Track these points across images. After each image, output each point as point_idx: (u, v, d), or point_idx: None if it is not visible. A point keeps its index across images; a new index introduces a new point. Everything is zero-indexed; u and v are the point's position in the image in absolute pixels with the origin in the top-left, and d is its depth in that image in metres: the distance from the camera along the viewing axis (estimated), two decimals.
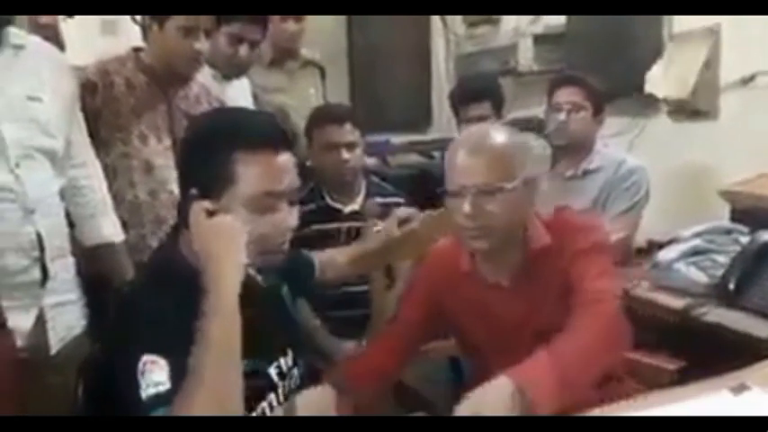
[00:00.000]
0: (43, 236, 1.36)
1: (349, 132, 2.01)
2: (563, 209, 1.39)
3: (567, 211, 1.40)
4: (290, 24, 2.46)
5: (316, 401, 1.20)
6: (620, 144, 2.52)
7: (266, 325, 1.16)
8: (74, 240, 1.53)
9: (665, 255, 1.81)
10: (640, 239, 2.20)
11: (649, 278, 1.83)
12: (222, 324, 0.99)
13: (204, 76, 1.99)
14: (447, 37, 3.88)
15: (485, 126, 1.43)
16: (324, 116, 2.06)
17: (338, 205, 2.08)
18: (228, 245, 1.05)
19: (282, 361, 1.20)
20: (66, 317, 1.45)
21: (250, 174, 1.07)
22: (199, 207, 1.07)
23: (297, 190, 1.14)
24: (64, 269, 1.45)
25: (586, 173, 2.15)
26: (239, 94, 2.24)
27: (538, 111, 2.41)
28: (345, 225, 2.04)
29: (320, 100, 2.66)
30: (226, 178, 1.07)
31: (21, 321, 1.35)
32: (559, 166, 2.20)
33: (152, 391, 0.97)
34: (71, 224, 1.52)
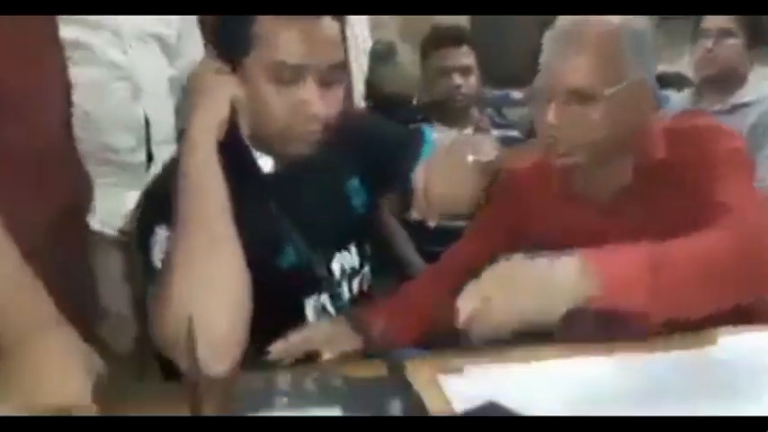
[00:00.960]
0: (150, 118, 1.39)
1: (464, 55, 1.93)
2: (692, 112, 1.20)
3: (697, 115, 1.17)
4: None
5: (328, 332, 1.09)
6: None
7: (320, 216, 1.07)
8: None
9: None
10: None
11: None
12: (193, 189, 0.90)
13: None
14: None
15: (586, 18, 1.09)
16: (439, 38, 1.98)
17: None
18: (207, 95, 0.94)
19: (339, 256, 1.10)
20: None
21: (274, 36, 0.92)
22: (205, 63, 0.99)
23: (338, 69, 0.98)
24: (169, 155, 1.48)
25: (735, 107, 1.92)
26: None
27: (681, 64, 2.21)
28: None
29: None
30: (248, 41, 0.94)
31: (121, 200, 1.39)
32: (705, 100, 1.99)
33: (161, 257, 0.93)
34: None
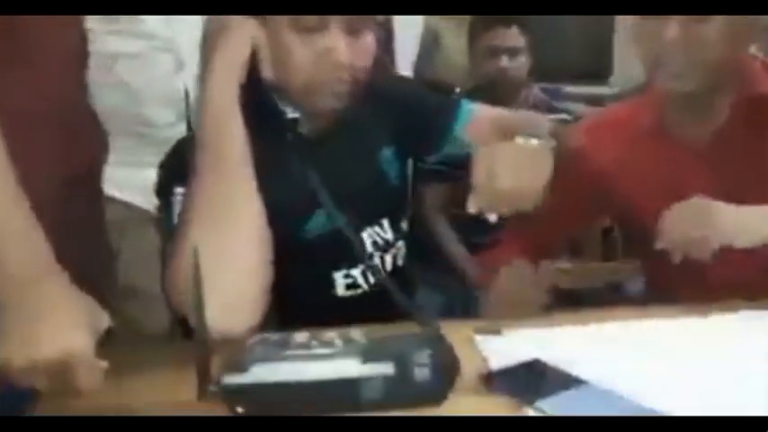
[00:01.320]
0: (191, 93, 1.37)
1: (514, 36, 1.87)
2: None
3: None
4: None
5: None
6: None
7: (352, 184, 1.01)
8: None
9: None
10: None
11: None
12: (212, 136, 0.86)
13: None
14: None
15: None
16: (489, 18, 1.92)
17: None
18: (227, 36, 0.89)
19: (370, 230, 1.04)
20: None
21: None
22: (237, 21, 0.92)
23: (364, 17, 0.92)
24: None
25: None
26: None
27: None
28: None
29: None
30: None
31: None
32: None
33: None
34: None
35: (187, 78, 1.36)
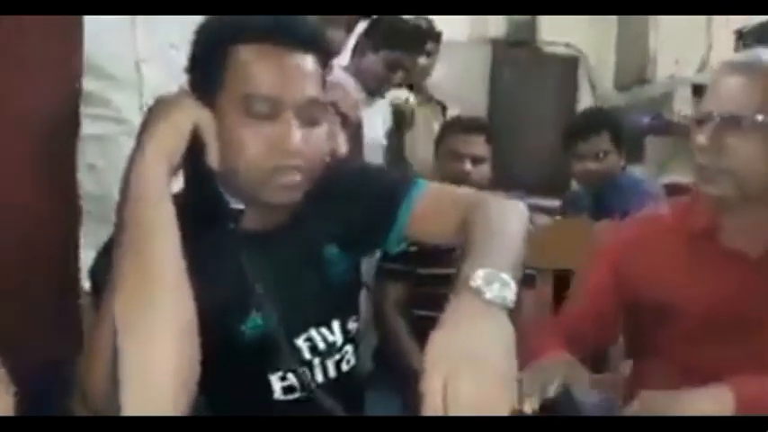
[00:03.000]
0: None
1: (478, 145, 1.94)
2: None
3: None
4: (422, 59, 2.47)
5: None
6: None
7: (295, 284, 0.96)
8: None
9: None
10: None
11: None
12: (138, 232, 0.79)
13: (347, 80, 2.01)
14: (595, 102, 3.76)
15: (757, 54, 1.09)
16: (456, 125, 2.01)
17: None
18: (166, 118, 0.84)
19: (316, 332, 0.98)
20: None
21: (244, 68, 0.87)
22: (175, 93, 0.89)
23: (317, 107, 0.90)
24: None
25: None
26: (375, 117, 2.24)
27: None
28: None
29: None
30: (221, 76, 0.88)
31: None
32: None
33: None
34: None
35: None
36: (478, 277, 0.74)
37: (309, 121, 0.90)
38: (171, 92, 0.92)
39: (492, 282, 0.74)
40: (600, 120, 2.25)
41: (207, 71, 0.90)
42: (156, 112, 0.86)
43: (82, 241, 1.03)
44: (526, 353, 1.18)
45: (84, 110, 1.19)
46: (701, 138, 1.02)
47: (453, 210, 0.95)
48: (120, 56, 1.33)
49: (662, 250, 1.13)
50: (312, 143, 0.90)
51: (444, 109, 2.72)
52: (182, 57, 1.40)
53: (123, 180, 0.82)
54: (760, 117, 0.99)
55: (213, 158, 0.87)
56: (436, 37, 2.54)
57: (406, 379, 1.83)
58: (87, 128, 1.22)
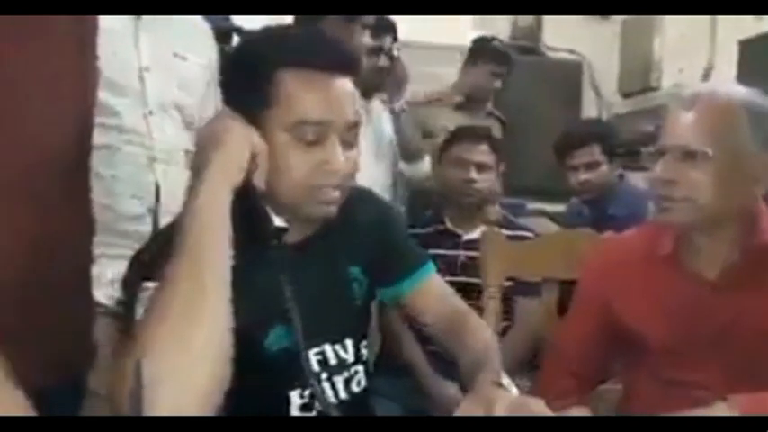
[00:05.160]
0: (161, 188, 1.37)
1: (483, 153, 1.94)
2: None
3: None
4: (492, 77, 2.62)
5: None
6: None
7: (320, 300, 0.99)
8: None
9: None
10: None
11: None
12: (196, 238, 0.80)
13: None
14: (599, 109, 3.75)
15: (726, 84, 1.21)
16: (461, 133, 2.01)
17: (459, 231, 1.98)
18: (227, 142, 0.87)
19: (329, 348, 1.01)
20: None
21: (294, 95, 0.90)
22: (221, 116, 0.92)
23: (355, 129, 0.96)
24: None
25: None
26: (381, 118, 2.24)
27: None
28: (463, 253, 1.92)
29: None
30: (267, 98, 0.91)
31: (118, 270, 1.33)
32: None
33: None
34: None
35: (159, 173, 1.37)
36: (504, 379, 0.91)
37: (349, 144, 0.95)
38: (216, 114, 0.96)
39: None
40: (589, 132, 2.26)
41: (250, 91, 0.92)
42: (210, 138, 0.88)
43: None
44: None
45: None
46: (659, 170, 1.08)
47: (447, 302, 1.10)
48: (123, 63, 1.33)
49: (628, 276, 1.19)
50: (351, 164, 0.95)
51: (504, 126, 2.77)
52: (186, 65, 1.43)
53: (184, 206, 0.85)
54: (710, 151, 1.05)
55: (262, 180, 0.91)
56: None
57: (413, 394, 1.84)
58: (94, 137, 1.22)
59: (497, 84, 2.66)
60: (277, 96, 0.91)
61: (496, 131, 2.65)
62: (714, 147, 1.05)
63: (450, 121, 2.41)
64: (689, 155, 1.06)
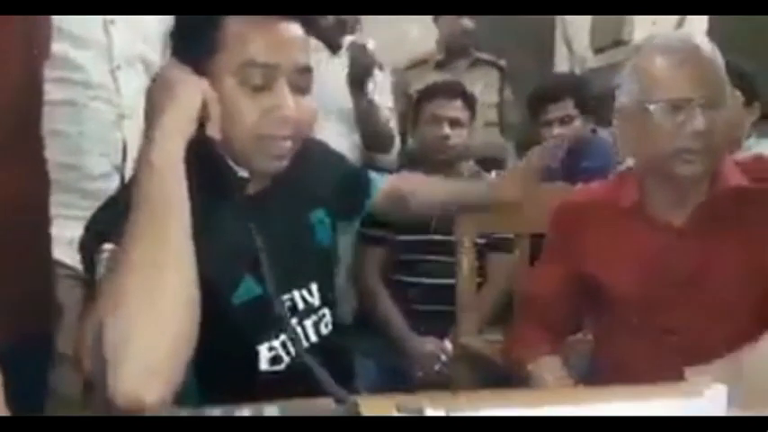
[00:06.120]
0: (128, 145, 1.33)
1: (457, 109, 1.93)
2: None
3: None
4: (465, 20, 2.48)
5: None
6: None
7: (285, 246, 0.98)
8: None
9: None
10: None
11: None
12: (153, 195, 0.80)
13: None
14: (572, 64, 3.74)
15: (685, 35, 1.20)
16: (434, 89, 1.99)
17: None
18: (177, 93, 0.85)
19: (297, 294, 1.01)
20: None
21: (240, 37, 0.88)
22: (169, 66, 0.90)
23: (308, 74, 0.93)
24: None
25: None
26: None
27: None
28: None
29: (493, 98, 2.60)
30: (213, 43, 0.89)
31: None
32: None
33: None
34: None
35: (126, 130, 1.33)
36: None
37: (300, 90, 0.92)
38: (163, 67, 0.94)
39: None
40: (562, 86, 2.23)
41: (197, 39, 0.90)
42: (160, 90, 0.87)
43: (52, 211, 1.00)
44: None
45: (50, 73, 1.15)
46: (697, 122, 1.05)
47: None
48: (87, 16, 1.27)
49: (595, 225, 1.19)
50: (304, 110, 0.93)
51: (501, 70, 2.66)
52: (148, 18, 1.37)
53: (137, 160, 0.84)
54: (727, 101, 1.07)
55: (216, 129, 0.89)
56: None
57: (386, 347, 1.86)
58: (53, 93, 1.18)
59: (469, 24, 2.52)
60: (224, 40, 0.89)
61: (492, 79, 2.61)
62: (721, 94, 1.07)
63: (432, 80, 2.37)
64: (714, 104, 1.06)
